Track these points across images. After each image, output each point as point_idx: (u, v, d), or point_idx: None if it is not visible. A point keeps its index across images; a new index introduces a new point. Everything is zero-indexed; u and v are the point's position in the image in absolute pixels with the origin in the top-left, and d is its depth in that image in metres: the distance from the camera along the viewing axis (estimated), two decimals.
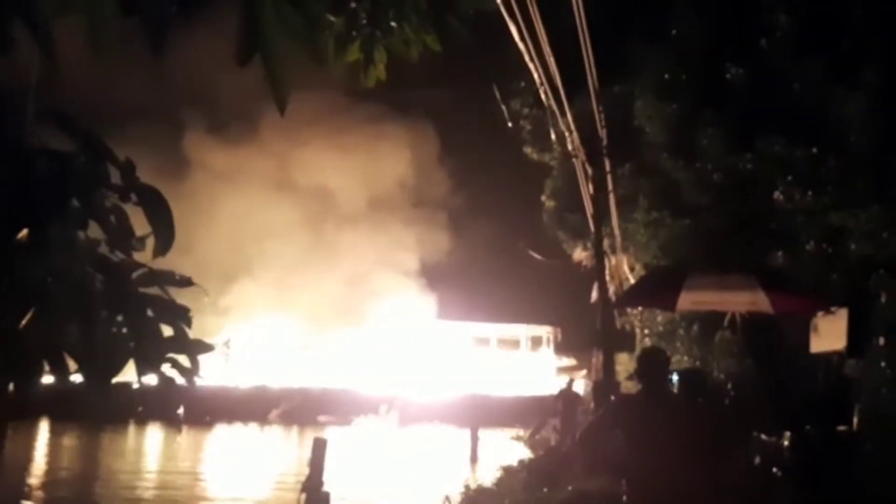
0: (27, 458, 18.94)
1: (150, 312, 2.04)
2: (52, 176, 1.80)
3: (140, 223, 2.03)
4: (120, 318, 1.93)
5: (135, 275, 1.98)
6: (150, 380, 2.10)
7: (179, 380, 2.07)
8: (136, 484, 16.32)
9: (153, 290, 2.09)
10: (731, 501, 6.37)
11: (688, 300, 5.46)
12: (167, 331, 2.10)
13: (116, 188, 1.92)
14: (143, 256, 2.11)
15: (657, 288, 6.53)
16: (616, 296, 15.15)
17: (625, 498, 4.79)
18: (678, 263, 11.78)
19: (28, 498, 13.85)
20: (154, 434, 25.38)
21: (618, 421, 4.82)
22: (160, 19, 1.67)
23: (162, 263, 2.17)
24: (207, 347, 2.14)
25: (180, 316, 2.08)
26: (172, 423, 17.30)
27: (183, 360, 2.14)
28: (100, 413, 18.91)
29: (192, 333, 2.06)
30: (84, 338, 1.82)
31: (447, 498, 8.03)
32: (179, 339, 2.08)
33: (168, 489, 15.86)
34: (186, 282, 2.10)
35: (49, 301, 1.76)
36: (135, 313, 1.93)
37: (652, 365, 4.90)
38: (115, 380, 1.97)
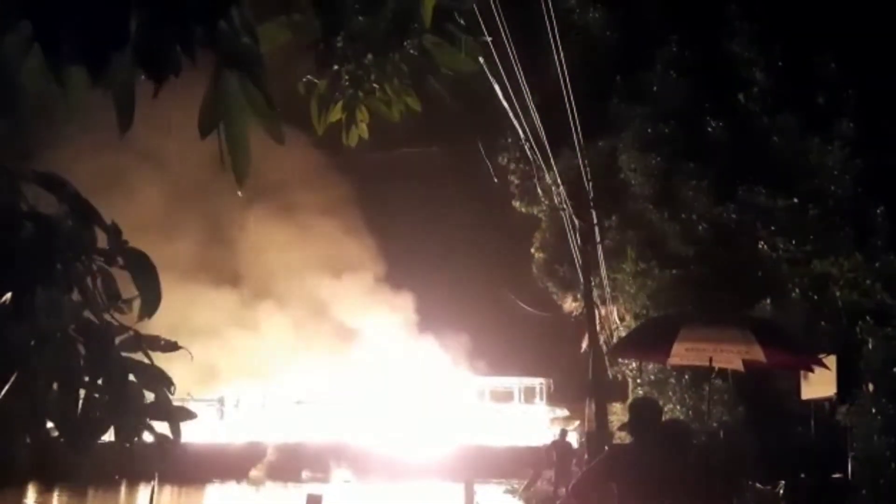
0: None
1: (132, 377, 2.05)
2: (38, 240, 1.83)
3: (123, 284, 2.06)
4: (102, 383, 1.94)
5: (119, 339, 2.00)
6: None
7: (158, 446, 2.07)
8: None
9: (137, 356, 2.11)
10: None
11: (681, 350, 5.47)
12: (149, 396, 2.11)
13: (102, 252, 1.95)
14: (128, 318, 2.14)
15: (650, 339, 6.54)
16: (606, 345, 15.18)
17: None
18: (671, 315, 11.85)
19: None
20: (142, 495, 24.88)
21: (611, 472, 4.79)
22: (128, 95, 1.74)
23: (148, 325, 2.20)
24: (190, 415, 2.14)
25: (163, 382, 2.09)
26: (150, 489, 16.95)
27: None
28: (80, 475, 18.61)
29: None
30: (65, 404, 1.83)
31: None
32: (161, 405, 2.09)
33: None
34: (172, 346, 2.12)
35: (31, 368, 1.77)
36: (117, 379, 1.94)
37: (644, 416, 4.89)
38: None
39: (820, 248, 10.68)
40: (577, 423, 26.59)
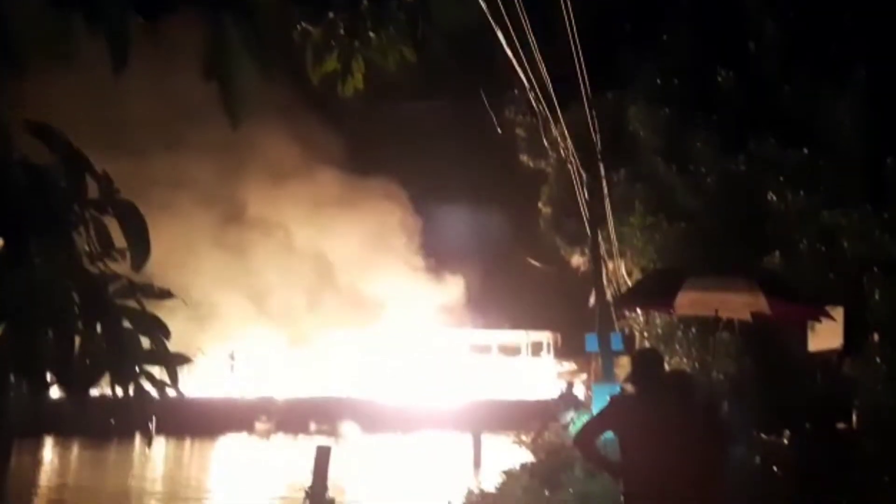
0: (33, 474, 18.97)
1: (128, 325, 2.07)
2: (31, 189, 1.83)
3: (119, 235, 2.07)
4: (97, 330, 1.96)
5: (113, 287, 2.01)
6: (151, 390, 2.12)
7: (155, 393, 2.10)
8: (140, 496, 16.34)
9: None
10: (727, 501, 6.39)
11: (686, 301, 5.47)
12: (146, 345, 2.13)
13: (94, 201, 1.95)
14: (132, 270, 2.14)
15: (655, 290, 6.52)
16: (614, 299, 15.20)
17: (622, 498, 4.80)
18: (677, 265, 11.81)
19: None
20: (158, 447, 25.43)
21: (613, 422, 4.83)
22: (123, 34, 1.72)
23: (154, 277, 2.21)
24: (185, 360, 2.17)
25: (158, 328, 2.12)
26: (144, 436, 17.21)
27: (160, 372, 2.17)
28: (79, 426, 18.95)
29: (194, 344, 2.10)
30: (60, 351, 1.85)
31: (449, 503, 8.04)
32: (157, 351, 2.12)
33: (175, 501, 15.89)
34: (166, 294, 2.14)
35: (25, 314, 1.79)
36: (112, 326, 1.97)
37: (646, 366, 4.92)
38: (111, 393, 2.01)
39: (830, 200, 10.58)
40: (583, 376, 26.88)
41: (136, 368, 2.10)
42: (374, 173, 37.95)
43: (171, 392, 2.14)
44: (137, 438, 23.10)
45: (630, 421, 4.69)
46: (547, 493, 9.94)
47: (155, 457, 23.82)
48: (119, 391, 2.09)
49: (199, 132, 32.87)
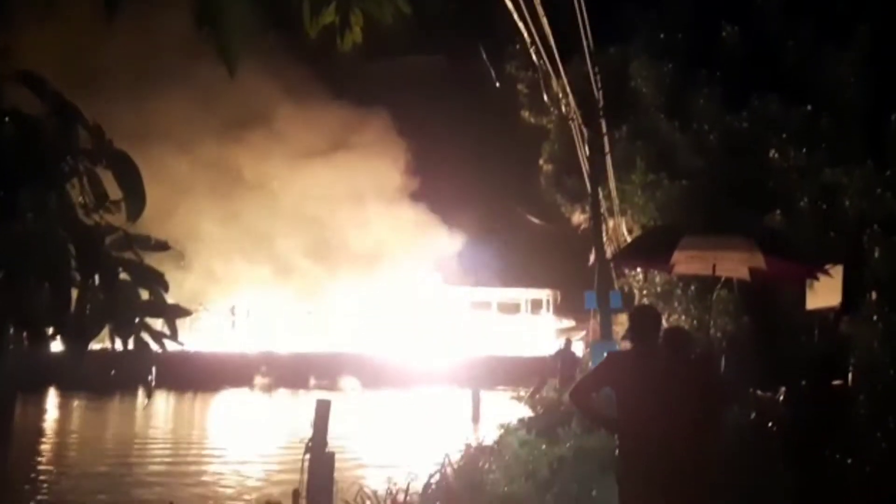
0: (36, 427, 19.22)
1: (126, 277, 2.07)
2: (21, 138, 1.82)
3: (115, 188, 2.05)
4: (95, 282, 1.96)
5: (109, 239, 2.01)
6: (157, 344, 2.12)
7: (154, 345, 2.11)
8: (144, 448, 16.58)
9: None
10: (723, 457, 6.47)
11: (683, 259, 5.45)
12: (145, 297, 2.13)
13: (87, 152, 1.94)
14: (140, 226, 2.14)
15: (652, 247, 6.49)
16: (612, 257, 15.20)
17: (617, 452, 4.86)
18: (676, 223, 11.79)
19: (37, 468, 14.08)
20: (160, 400, 25.77)
21: (609, 377, 4.87)
22: None
23: (156, 229, 2.20)
24: (184, 312, 2.18)
25: (156, 280, 2.11)
26: (144, 388, 17.33)
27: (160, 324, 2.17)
28: (81, 380, 19.12)
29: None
30: (57, 302, 1.85)
31: (447, 456, 8.16)
32: (156, 303, 2.12)
33: (178, 452, 16.14)
34: (162, 246, 2.13)
35: (20, 265, 1.79)
36: (109, 277, 1.96)
37: (643, 323, 4.94)
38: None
39: (832, 157, 10.53)
40: (582, 333, 27.02)
41: (136, 320, 2.10)
42: (371, 128, 37.70)
43: (170, 344, 2.15)
44: (140, 392, 23.45)
45: (627, 377, 4.72)
46: (544, 446, 10.06)
47: (157, 410, 24.13)
48: (119, 343, 2.10)
49: (189, 82, 32.61)
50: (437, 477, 7.60)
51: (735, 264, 5.80)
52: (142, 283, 2.09)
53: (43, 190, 1.88)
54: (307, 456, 8.91)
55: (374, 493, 6.82)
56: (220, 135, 36.61)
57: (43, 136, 1.88)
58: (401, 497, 6.74)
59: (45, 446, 17.31)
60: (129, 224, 2.00)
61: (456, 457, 9.96)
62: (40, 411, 22.34)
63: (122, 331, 2.08)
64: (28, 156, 1.84)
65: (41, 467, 14.34)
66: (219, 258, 34.65)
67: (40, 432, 18.88)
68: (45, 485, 12.59)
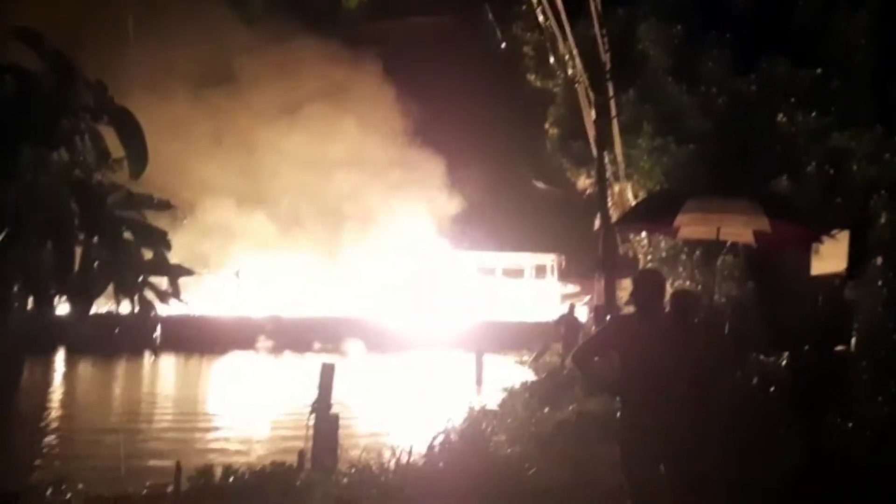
0: (45, 387, 19.44)
1: (129, 236, 2.06)
2: (20, 96, 1.80)
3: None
4: (97, 241, 1.95)
5: (111, 198, 2.00)
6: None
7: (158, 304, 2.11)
8: (150, 410, 16.77)
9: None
10: (725, 420, 6.52)
11: (686, 222, 5.42)
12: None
13: (88, 109, 1.92)
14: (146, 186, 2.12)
15: (656, 211, 6.45)
16: (616, 221, 15.15)
17: (618, 415, 4.89)
18: (679, 186, 11.74)
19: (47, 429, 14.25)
20: (167, 363, 26.01)
21: (612, 341, 4.88)
22: None
23: (161, 187, 2.19)
24: (187, 271, 2.18)
25: (159, 239, 2.11)
26: (150, 348, 17.44)
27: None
28: (89, 342, 19.26)
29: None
30: (61, 260, 1.85)
31: (450, 419, 8.22)
32: (159, 262, 2.12)
33: (185, 414, 16.32)
34: (165, 205, 2.13)
35: (23, 223, 1.79)
36: (112, 236, 1.96)
37: (647, 286, 4.94)
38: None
39: (840, 121, 10.42)
40: (587, 298, 27.06)
41: (139, 279, 2.11)
42: (371, 88, 37.36)
43: (174, 303, 2.15)
44: (146, 354, 23.69)
45: (629, 340, 4.73)
46: (546, 410, 10.16)
47: (164, 373, 24.35)
48: (124, 303, 2.10)
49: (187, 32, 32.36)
50: (440, 439, 7.66)
51: (739, 228, 5.78)
52: (145, 243, 2.09)
53: (45, 148, 1.87)
54: (312, 417, 9.03)
55: (378, 453, 6.88)
56: (212, 87, 36.40)
57: (43, 92, 1.86)
58: (404, 458, 6.80)
59: (54, 406, 17.52)
60: (133, 182, 1.99)
61: (460, 420, 10.05)
62: (49, 372, 22.55)
63: (125, 290, 2.08)
64: (29, 112, 1.83)
65: (49, 427, 14.53)
66: (221, 218, 34.68)
67: (48, 392, 19.10)
68: (53, 443, 12.77)
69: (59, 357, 25.21)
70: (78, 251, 1.95)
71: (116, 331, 2.03)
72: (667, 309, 4.95)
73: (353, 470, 7.06)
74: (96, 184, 1.97)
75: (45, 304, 1.89)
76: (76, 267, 1.91)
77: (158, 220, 2.20)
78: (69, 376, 23.52)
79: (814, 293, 11.69)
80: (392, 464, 6.68)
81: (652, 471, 4.61)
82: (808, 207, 10.50)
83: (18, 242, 1.77)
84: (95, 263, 1.95)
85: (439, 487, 6.17)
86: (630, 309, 5.11)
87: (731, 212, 5.40)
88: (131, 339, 2.12)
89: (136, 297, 2.08)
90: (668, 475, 4.64)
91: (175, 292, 2.15)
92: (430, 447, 7.55)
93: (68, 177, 1.90)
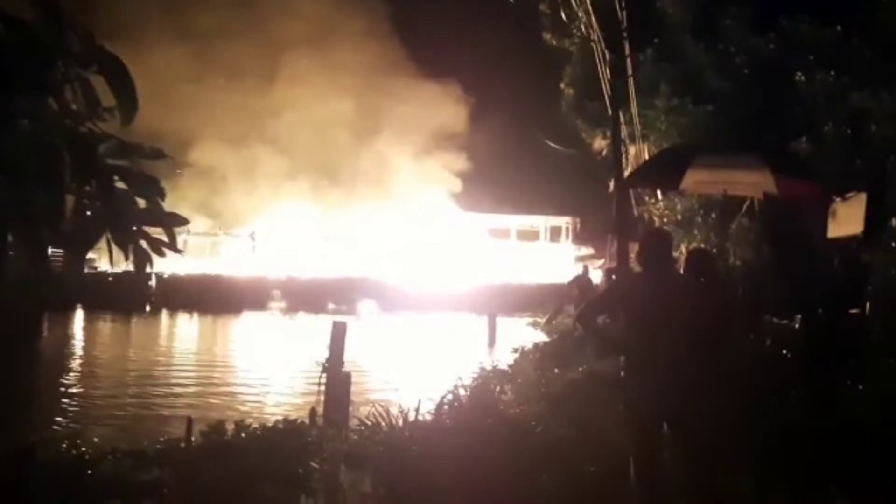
0: (64, 344, 19.76)
1: (122, 185, 2.05)
2: (11, 43, 1.78)
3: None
4: (90, 190, 1.94)
5: (104, 147, 1.98)
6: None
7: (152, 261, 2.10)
8: (166, 368, 17.00)
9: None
10: (735, 382, 6.50)
11: (693, 180, 5.35)
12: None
13: (78, 57, 1.89)
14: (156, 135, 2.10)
15: (664, 167, 6.37)
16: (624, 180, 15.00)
17: (622, 374, 4.89)
18: (685, 145, 11.60)
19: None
20: (183, 322, 26.34)
21: (619, 300, 4.86)
22: None
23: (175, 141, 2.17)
24: (182, 221, 2.17)
25: (152, 188, 2.10)
26: (142, 301, 17.45)
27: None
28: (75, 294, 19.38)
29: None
30: (52, 207, 1.84)
31: (459, 378, 8.28)
32: (154, 211, 2.11)
33: (200, 372, 16.53)
34: (157, 154, 2.11)
35: (16, 170, 1.78)
36: (105, 184, 1.95)
37: (653, 246, 4.89)
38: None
39: (860, 81, 10.20)
40: (601, 261, 27.00)
41: (134, 229, 2.10)
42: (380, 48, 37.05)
43: (168, 252, 2.14)
44: (145, 310, 23.91)
45: (635, 299, 4.70)
46: (556, 370, 10.19)
47: (181, 332, 24.66)
48: (119, 252, 2.10)
49: None
50: (449, 397, 7.72)
51: (746, 185, 5.70)
52: (139, 192, 2.08)
53: (37, 95, 1.85)
54: (324, 376, 9.13)
55: (387, 410, 6.95)
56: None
57: (33, 39, 1.83)
58: (412, 416, 6.86)
59: (71, 362, 17.82)
60: (126, 131, 1.98)
61: (469, 379, 10.12)
62: (67, 329, 22.90)
63: (120, 239, 2.07)
64: (20, 59, 1.80)
65: (67, 382, 14.80)
66: (233, 178, 34.83)
67: (67, 349, 19.42)
68: (73, 400, 13.00)
69: (79, 314, 25.60)
70: (71, 200, 1.94)
71: (109, 279, 2.01)
72: (681, 268, 4.92)
73: (361, 427, 7.13)
74: (87, 132, 1.95)
75: (39, 254, 1.88)
76: (69, 214, 1.90)
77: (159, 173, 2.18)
78: (87, 333, 23.84)
79: (830, 256, 11.57)
80: (399, 420, 6.74)
81: (655, 431, 4.62)
82: (826, 169, 10.34)
83: (13, 188, 1.76)
84: (87, 213, 1.94)
85: (446, 444, 6.22)
86: (637, 267, 5.07)
87: (738, 170, 5.32)
88: (126, 294, 2.11)
89: (130, 248, 2.07)
90: (673, 435, 4.65)
91: (171, 242, 2.15)
92: (439, 405, 7.61)
93: (60, 125, 1.88)
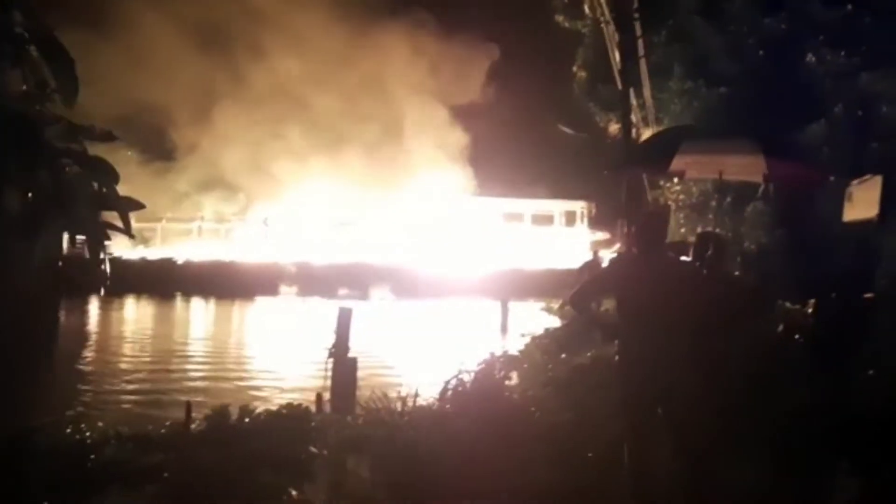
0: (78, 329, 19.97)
1: (75, 170, 2.02)
2: None
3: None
4: (39, 175, 1.92)
5: (51, 130, 1.95)
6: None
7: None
8: (178, 353, 17.15)
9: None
10: (741, 367, 6.40)
11: (684, 164, 5.26)
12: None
13: (16, 35, 1.86)
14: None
15: (651, 151, 6.28)
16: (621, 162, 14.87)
17: (616, 358, 4.84)
18: (679, 127, 11.46)
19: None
20: (198, 307, 26.56)
21: (610, 282, 4.80)
22: None
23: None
24: (138, 205, 2.14)
25: (109, 173, 2.07)
26: (96, 285, 17.56)
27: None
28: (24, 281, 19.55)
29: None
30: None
31: (462, 363, 8.24)
32: (108, 195, 2.08)
33: (211, 356, 16.68)
34: (107, 136, 2.08)
35: None
36: (54, 168, 1.92)
37: (649, 227, 4.83)
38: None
39: (871, 61, 10.00)
40: (617, 245, 26.80)
41: (87, 214, 2.07)
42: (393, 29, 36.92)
43: (122, 237, 2.12)
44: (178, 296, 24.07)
45: (627, 281, 4.64)
46: (564, 355, 10.11)
47: (194, 317, 24.86)
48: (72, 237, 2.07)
49: None
50: (453, 383, 7.69)
51: (739, 169, 5.61)
52: (92, 176, 2.05)
53: None
54: (330, 361, 9.15)
55: (385, 396, 6.94)
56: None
57: None
58: (410, 402, 6.84)
59: (87, 346, 18.05)
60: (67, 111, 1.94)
61: (474, 365, 10.09)
62: (83, 314, 23.12)
63: (75, 225, 2.05)
64: None
65: (83, 367, 14.97)
66: (247, 164, 34.94)
67: (81, 332, 19.65)
68: (82, 384, 13.12)
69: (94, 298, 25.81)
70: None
71: (59, 264, 2.00)
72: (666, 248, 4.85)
73: (362, 412, 7.13)
74: (33, 113, 1.92)
75: None
76: (14, 199, 1.88)
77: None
78: (103, 318, 24.05)
79: (845, 240, 11.43)
80: (398, 406, 6.73)
81: (649, 415, 4.56)
82: (839, 151, 10.18)
83: None
84: (39, 196, 1.92)
85: (445, 430, 6.20)
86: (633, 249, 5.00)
87: (730, 154, 5.23)
88: (78, 279, 2.10)
89: (86, 233, 2.05)
90: (667, 420, 4.58)
91: (126, 226, 2.12)
92: (443, 391, 7.58)
93: (2, 109, 1.85)
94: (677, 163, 5.08)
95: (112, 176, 2.05)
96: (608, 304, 7.50)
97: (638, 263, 4.76)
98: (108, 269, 2.09)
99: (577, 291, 4.75)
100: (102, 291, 2.04)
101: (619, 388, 4.70)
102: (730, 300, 5.27)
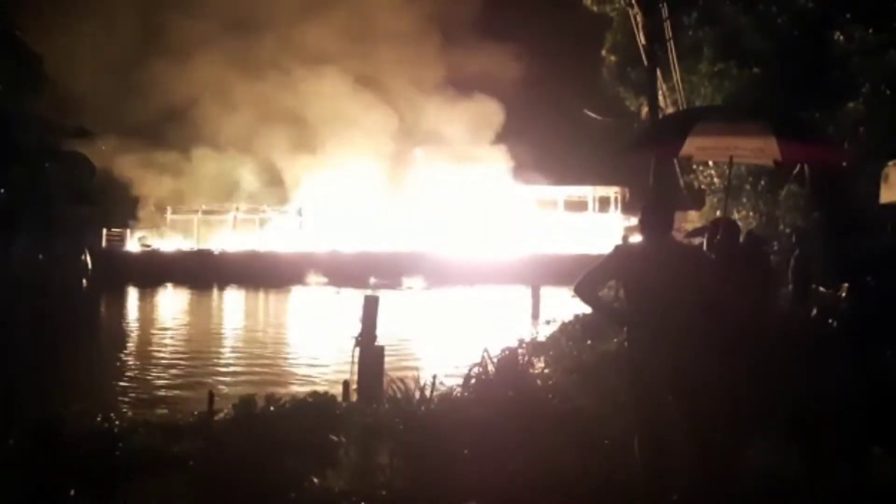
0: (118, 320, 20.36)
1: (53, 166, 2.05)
2: None
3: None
4: (16, 170, 1.95)
5: (23, 126, 1.98)
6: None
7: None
8: (210, 342, 17.43)
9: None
10: (767, 355, 6.28)
11: (694, 147, 5.16)
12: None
13: None
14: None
15: (662, 133, 6.15)
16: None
17: (626, 344, 4.78)
18: (693, 109, 11.25)
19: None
20: (232, 296, 26.93)
21: (617, 269, 4.75)
22: None
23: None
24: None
25: (85, 167, 2.09)
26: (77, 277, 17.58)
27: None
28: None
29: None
30: None
31: (486, 350, 8.23)
32: (86, 190, 2.10)
33: (243, 345, 16.93)
34: (81, 132, 2.10)
35: None
36: (30, 163, 1.95)
37: (654, 213, 4.75)
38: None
39: None
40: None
41: (67, 208, 2.10)
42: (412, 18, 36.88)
43: (104, 231, 2.14)
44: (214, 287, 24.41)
45: (634, 267, 4.58)
46: (589, 342, 10.08)
47: (229, 307, 25.18)
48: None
49: None
50: (476, 370, 7.68)
51: (750, 152, 5.47)
52: (70, 170, 2.07)
53: None
54: (357, 349, 9.22)
55: (404, 383, 6.95)
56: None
57: None
58: (429, 389, 6.85)
59: (132, 336, 18.46)
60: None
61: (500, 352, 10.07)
62: (121, 307, 23.58)
63: (54, 220, 2.08)
64: None
65: (124, 357, 15.34)
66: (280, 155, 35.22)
67: (120, 325, 20.07)
68: (113, 372, 13.40)
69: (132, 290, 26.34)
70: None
71: (40, 257, 2.03)
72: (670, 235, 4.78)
73: (385, 400, 7.17)
74: (3, 112, 1.95)
75: None
76: None
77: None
78: (140, 309, 24.52)
79: (882, 222, 11.18)
80: (417, 394, 6.75)
81: (659, 406, 4.48)
82: (874, 132, 9.93)
83: None
84: (15, 190, 1.95)
85: (464, 417, 6.20)
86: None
87: (740, 136, 5.11)
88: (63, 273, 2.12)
89: (66, 228, 2.07)
90: (680, 411, 4.50)
91: (105, 221, 2.14)
92: (467, 378, 7.58)
93: None
94: (688, 146, 4.98)
95: (88, 169, 2.07)
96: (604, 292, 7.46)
97: (641, 249, 4.71)
98: (88, 263, 2.11)
99: (583, 279, 4.67)
100: (84, 283, 2.07)
101: (629, 376, 4.64)
102: (741, 281, 5.12)
